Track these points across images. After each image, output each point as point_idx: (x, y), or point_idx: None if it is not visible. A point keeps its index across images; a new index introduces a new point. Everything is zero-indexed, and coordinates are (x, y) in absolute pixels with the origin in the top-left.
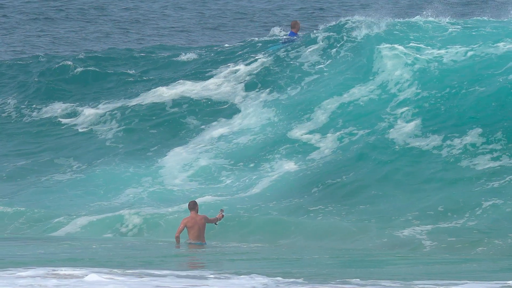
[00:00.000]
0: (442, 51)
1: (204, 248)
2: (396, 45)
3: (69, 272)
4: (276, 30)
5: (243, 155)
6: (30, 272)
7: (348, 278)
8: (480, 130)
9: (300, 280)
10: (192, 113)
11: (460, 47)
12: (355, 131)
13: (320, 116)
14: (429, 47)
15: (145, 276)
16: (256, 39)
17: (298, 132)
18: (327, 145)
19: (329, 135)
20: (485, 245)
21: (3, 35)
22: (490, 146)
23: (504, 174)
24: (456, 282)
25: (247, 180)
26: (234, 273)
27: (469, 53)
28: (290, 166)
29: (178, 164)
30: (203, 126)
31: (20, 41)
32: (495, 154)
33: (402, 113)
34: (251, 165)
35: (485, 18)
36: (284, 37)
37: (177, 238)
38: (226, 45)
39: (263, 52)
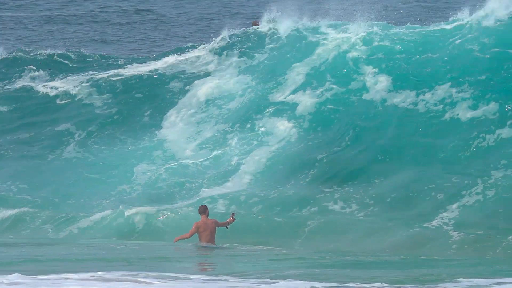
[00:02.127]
0: (389, 31)
1: (214, 250)
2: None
3: (81, 275)
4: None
5: (238, 119)
6: (42, 275)
7: (372, 283)
8: (455, 83)
9: (324, 284)
10: (173, 79)
11: (408, 27)
12: (336, 89)
13: (296, 76)
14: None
15: (163, 279)
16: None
17: (282, 95)
18: (313, 105)
19: (311, 95)
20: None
21: (4, 35)
22: (471, 100)
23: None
24: (480, 282)
25: (252, 146)
26: (254, 277)
27: (418, 30)
28: (287, 131)
29: (182, 136)
30: (187, 87)
31: (21, 42)
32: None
33: (372, 73)
34: (248, 126)
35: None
36: None
37: (186, 238)
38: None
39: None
